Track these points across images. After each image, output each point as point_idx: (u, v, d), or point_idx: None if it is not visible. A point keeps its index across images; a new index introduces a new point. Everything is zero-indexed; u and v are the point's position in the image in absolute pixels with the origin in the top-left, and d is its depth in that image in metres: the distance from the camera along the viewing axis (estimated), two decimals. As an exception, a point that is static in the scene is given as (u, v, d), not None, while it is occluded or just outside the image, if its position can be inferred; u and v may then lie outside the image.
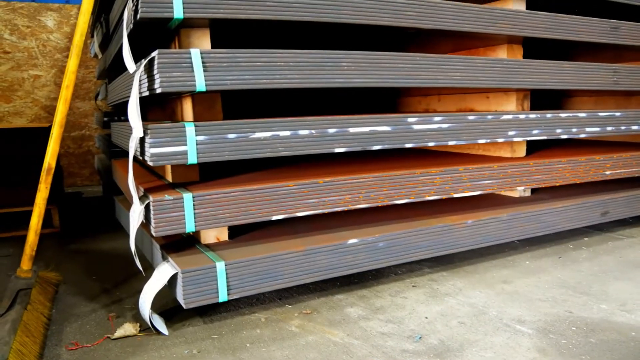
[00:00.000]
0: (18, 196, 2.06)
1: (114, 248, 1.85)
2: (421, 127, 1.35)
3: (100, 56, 2.56)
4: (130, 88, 1.16)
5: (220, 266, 1.12)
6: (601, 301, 1.26)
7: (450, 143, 1.40)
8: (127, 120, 1.28)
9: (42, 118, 3.14)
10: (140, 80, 1.14)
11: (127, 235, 1.24)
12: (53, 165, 1.11)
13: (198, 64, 1.07)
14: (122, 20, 1.24)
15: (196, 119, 1.26)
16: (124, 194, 2.02)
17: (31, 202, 2.01)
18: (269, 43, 1.64)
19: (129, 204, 1.56)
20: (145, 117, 1.19)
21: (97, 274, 1.56)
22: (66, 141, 3.24)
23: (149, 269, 1.50)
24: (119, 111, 2.27)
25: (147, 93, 1.13)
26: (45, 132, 2.10)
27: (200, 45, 1.19)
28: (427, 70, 1.34)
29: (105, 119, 2.22)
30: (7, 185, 2.05)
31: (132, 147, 1.11)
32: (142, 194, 1.20)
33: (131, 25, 1.13)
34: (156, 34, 1.29)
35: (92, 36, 2.83)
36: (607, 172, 1.76)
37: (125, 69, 1.29)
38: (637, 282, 1.38)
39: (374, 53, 1.26)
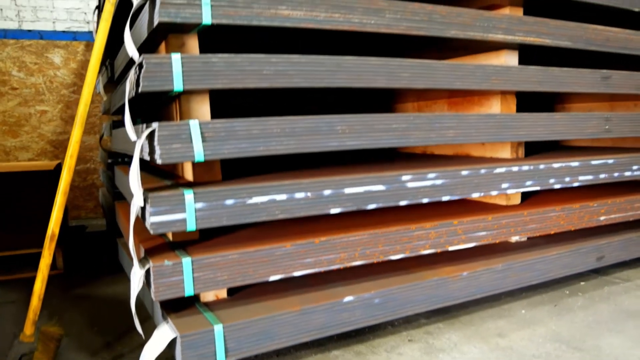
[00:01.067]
0: (21, 238, 2.10)
1: (116, 294, 1.89)
2: (415, 185, 1.39)
3: (104, 96, 2.62)
4: (133, 149, 1.20)
5: (219, 329, 1.14)
6: (594, 357, 1.27)
7: (444, 199, 1.44)
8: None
9: (48, 152, 3.20)
10: (142, 148, 1.18)
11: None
12: (57, 232, 1.15)
13: (197, 136, 1.12)
14: (125, 84, 1.29)
15: (196, 179, 1.31)
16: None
17: (35, 244, 2.04)
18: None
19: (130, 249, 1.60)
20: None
21: (100, 324, 1.59)
22: (71, 174, 3.29)
23: (149, 320, 1.53)
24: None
25: (148, 159, 1.17)
26: (49, 174, 2.15)
27: (199, 109, 1.24)
28: (420, 129, 1.38)
29: (109, 160, 2.27)
30: (11, 227, 2.10)
31: (134, 212, 1.15)
32: (142, 256, 1.24)
33: (133, 94, 1.18)
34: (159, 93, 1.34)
35: (99, 73, 2.90)
36: (602, 218, 1.78)
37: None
38: (629, 335, 1.39)
39: (367, 115, 1.30)
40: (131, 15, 1.24)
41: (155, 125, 1.10)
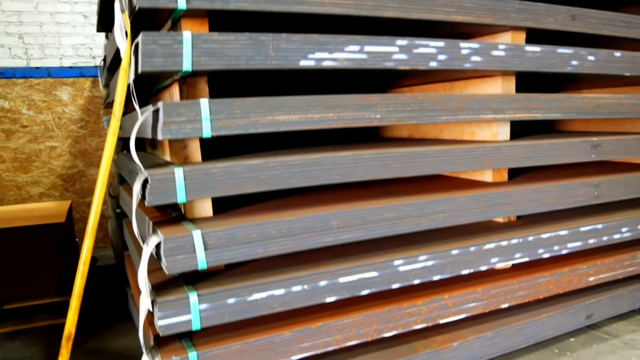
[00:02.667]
0: (36, 288, 2.20)
1: (127, 348, 1.98)
2: (407, 268, 1.46)
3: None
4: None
5: (222, 419, 1.23)
6: None
7: (435, 278, 1.51)
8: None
9: (59, 186, 3.30)
10: (149, 255, 1.26)
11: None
12: (73, 332, 1.24)
13: (200, 245, 1.20)
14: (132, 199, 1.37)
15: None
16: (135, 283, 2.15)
17: (49, 293, 2.11)
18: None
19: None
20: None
21: (111, 388, 1.69)
22: (81, 207, 3.39)
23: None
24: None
25: (151, 288, 1.26)
26: (58, 227, 2.24)
27: (201, 207, 1.32)
28: (411, 216, 1.45)
29: (118, 210, 2.36)
30: (24, 278, 2.20)
31: (143, 314, 1.24)
32: (152, 344, 1.33)
33: (139, 200, 1.26)
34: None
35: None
36: (591, 279, 1.84)
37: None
38: (612, 408, 1.47)
39: (359, 209, 1.38)
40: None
41: (161, 237, 1.18)
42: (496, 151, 1.59)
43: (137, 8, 1.15)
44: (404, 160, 1.44)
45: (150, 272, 1.37)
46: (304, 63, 1.30)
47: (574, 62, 1.74)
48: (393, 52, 1.42)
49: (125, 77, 1.23)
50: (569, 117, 1.73)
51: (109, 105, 2.45)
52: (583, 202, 1.78)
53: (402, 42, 1.43)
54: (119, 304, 2.43)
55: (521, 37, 1.72)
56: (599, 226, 1.81)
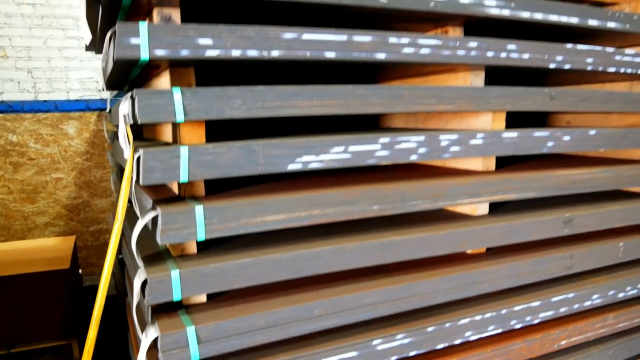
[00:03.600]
0: (39, 331, 2.34)
1: (126, 395, 2.12)
2: (385, 347, 1.58)
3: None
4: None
5: None
6: None
7: (412, 354, 1.63)
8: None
9: (64, 216, 3.44)
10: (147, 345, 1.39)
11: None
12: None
13: (193, 339, 1.32)
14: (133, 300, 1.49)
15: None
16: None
17: (50, 337, 2.25)
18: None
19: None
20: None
21: None
22: (85, 235, 3.53)
23: None
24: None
25: None
26: (63, 273, 2.37)
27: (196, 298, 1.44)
28: (390, 300, 1.57)
29: (120, 256, 2.48)
30: (27, 323, 2.33)
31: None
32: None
33: (137, 302, 1.38)
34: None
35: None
36: (563, 342, 1.96)
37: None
38: None
39: (340, 297, 1.49)
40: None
41: (157, 334, 1.30)
42: (472, 234, 1.70)
43: (139, 122, 1.27)
44: (385, 249, 1.56)
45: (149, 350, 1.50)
46: (292, 167, 1.42)
47: (550, 144, 1.85)
48: (376, 149, 1.53)
49: (128, 185, 1.34)
50: (544, 195, 1.84)
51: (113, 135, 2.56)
52: (556, 274, 1.90)
53: (384, 139, 1.54)
54: (119, 343, 2.57)
55: (501, 118, 1.83)
56: (571, 295, 1.93)
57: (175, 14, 1.39)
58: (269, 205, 1.39)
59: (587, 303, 1.98)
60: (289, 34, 1.40)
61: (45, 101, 3.33)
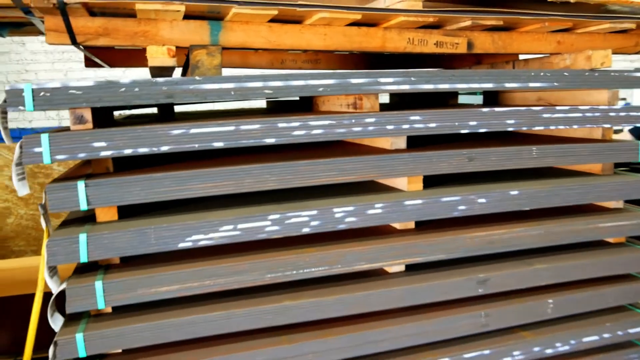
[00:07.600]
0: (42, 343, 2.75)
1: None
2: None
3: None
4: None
5: None
6: None
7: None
8: None
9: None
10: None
11: None
12: None
13: (95, 391, 1.59)
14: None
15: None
16: None
17: None
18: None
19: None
20: None
21: None
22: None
23: None
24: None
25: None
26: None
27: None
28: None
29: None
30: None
31: None
32: None
33: None
34: None
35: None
36: (481, 394, 2.02)
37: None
38: None
39: (232, 355, 1.69)
40: None
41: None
42: (368, 298, 1.80)
43: (50, 211, 1.53)
44: (277, 313, 1.72)
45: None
46: (183, 245, 1.62)
47: (462, 207, 1.89)
48: (265, 225, 1.68)
49: (43, 264, 1.61)
50: (454, 257, 1.90)
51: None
52: (470, 332, 1.95)
53: (274, 215, 1.69)
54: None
55: (417, 180, 1.89)
56: (487, 352, 1.97)
57: (87, 113, 1.62)
58: (163, 278, 1.61)
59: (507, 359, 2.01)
60: (176, 131, 1.58)
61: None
